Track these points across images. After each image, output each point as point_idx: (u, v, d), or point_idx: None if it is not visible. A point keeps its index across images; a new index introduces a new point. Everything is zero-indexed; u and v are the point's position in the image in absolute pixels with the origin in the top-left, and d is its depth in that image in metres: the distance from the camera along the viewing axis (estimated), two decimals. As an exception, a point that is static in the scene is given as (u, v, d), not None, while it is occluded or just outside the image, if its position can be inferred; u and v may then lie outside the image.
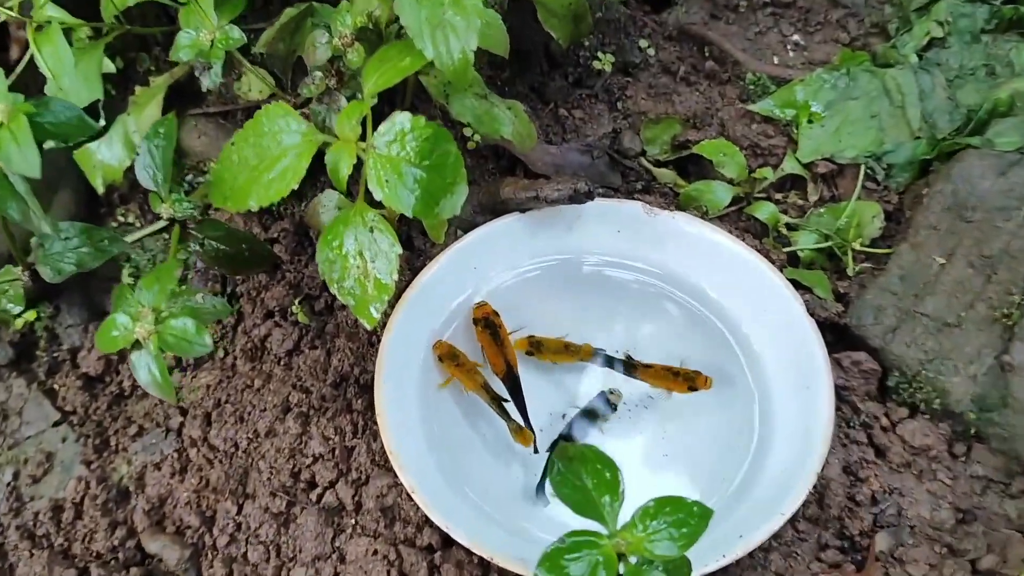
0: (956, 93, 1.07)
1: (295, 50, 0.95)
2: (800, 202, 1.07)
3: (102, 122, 1.01)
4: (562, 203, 0.95)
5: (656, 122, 1.10)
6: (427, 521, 0.85)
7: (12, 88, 0.79)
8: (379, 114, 0.79)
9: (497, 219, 0.98)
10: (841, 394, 0.91)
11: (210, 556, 0.89)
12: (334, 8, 0.88)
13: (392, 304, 0.93)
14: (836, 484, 0.87)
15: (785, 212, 1.06)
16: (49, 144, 1.05)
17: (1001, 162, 0.97)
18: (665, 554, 0.67)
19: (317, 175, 1.03)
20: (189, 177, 1.10)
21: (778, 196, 1.08)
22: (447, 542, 0.85)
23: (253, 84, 1.05)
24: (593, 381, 0.97)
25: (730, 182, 1.06)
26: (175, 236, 0.86)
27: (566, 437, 0.92)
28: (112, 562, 0.92)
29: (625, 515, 0.67)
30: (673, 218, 0.98)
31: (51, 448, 1.00)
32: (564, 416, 0.96)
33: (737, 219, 1.06)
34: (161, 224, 0.87)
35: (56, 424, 1.01)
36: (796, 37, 1.16)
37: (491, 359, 0.94)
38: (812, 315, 0.91)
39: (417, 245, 1.00)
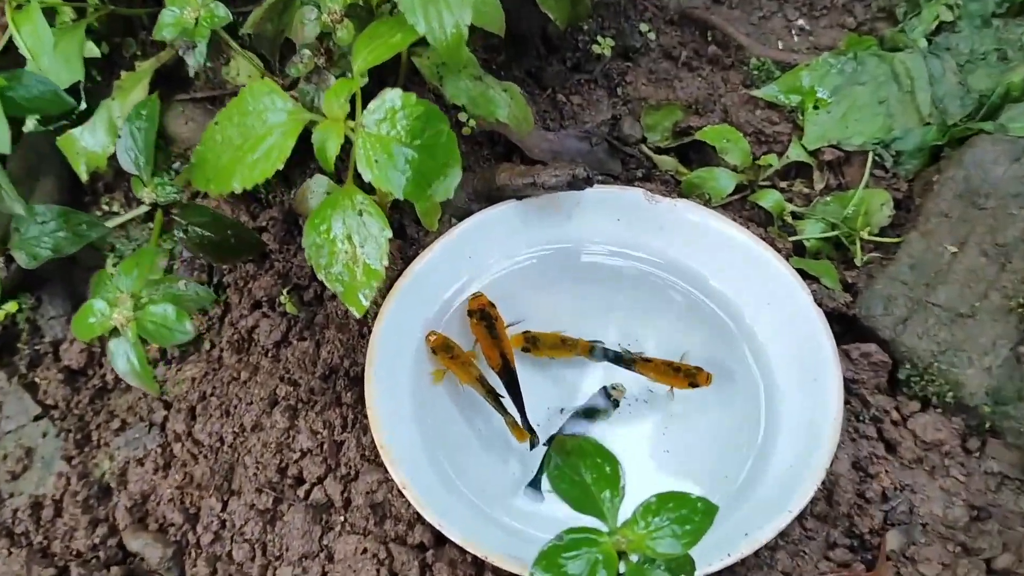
0: (967, 78, 1.04)
1: (283, 31, 0.92)
2: (806, 190, 1.04)
3: (83, 104, 0.97)
4: (560, 189, 0.92)
5: (657, 108, 1.06)
6: (419, 518, 0.82)
7: (-6, 71, 0.76)
8: (370, 96, 0.76)
9: (493, 206, 0.95)
10: (850, 387, 0.88)
11: (193, 555, 0.86)
12: (324, -15, 0.85)
13: (383, 294, 0.90)
14: (845, 480, 0.83)
15: (790, 201, 1.02)
16: (29, 127, 1.03)
17: (1015, 148, 0.93)
18: (668, 552, 0.64)
19: (307, 162, 1.00)
20: (176, 165, 1.07)
21: (783, 184, 1.04)
22: (440, 540, 0.81)
23: (241, 68, 1.02)
24: (593, 374, 0.94)
25: (734, 169, 1.02)
26: (158, 221, 0.83)
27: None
28: (93, 561, 0.88)
29: (626, 512, 0.64)
30: (675, 206, 0.94)
31: (31, 443, 0.96)
32: (562, 411, 0.93)
33: (741, 208, 1.02)
34: (144, 210, 0.84)
35: (37, 418, 0.98)
36: (801, 22, 1.13)
37: (486, 352, 0.91)
38: (819, 305, 0.88)
39: (410, 234, 0.97)
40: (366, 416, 0.84)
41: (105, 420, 0.96)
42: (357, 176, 0.76)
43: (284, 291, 0.96)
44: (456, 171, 0.75)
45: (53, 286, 1.05)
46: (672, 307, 0.95)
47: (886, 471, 0.84)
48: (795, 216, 1.01)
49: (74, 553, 0.89)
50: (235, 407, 0.91)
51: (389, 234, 0.76)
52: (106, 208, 1.07)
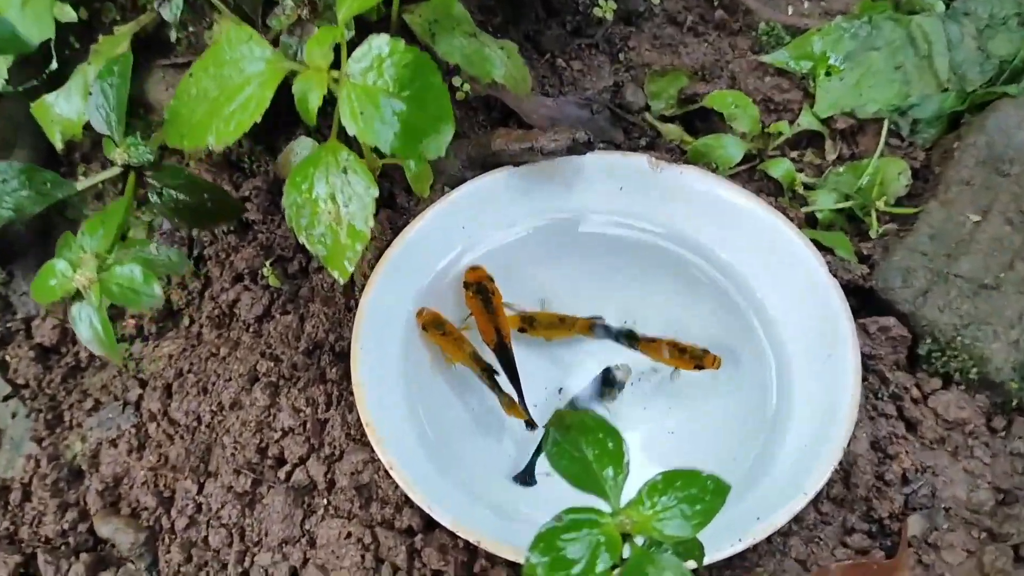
0: (987, 44, 0.99)
1: (267, -13, 0.87)
2: (817, 161, 0.98)
3: (54, 64, 0.92)
4: (560, 155, 0.87)
5: (661, 75, 1.01)
6: (407, 501, 0.77)
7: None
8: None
9: (488, 173, 0.89)
10: (867, 363, 0.83)
11: (167, 540, 0.80)
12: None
13: (372, 265, 0.85)
14: (863, 461, 0.78)
15: (801, 171, 0.97)
16: (-1, 84, 0.97)
17: (1041, 112, 0.88)
18: (676, 534, 0.58)
19: (293, 129, 0.95)
20: (156, 134, 1.02)
21: (793, 154, 0.99)
22: (429, 524, 0.76)
23: (224, 31, 0.96)
24: (594, 352, 0.89)
25: (742, 137, 0.97)
26: (130, 183, 0.78)
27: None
28: (62, 547, 0.83)
29: (630, 493, 0.59)
30: (681, 173, 0.89)
31: (0, 424, 0.91)
32: (560, 391, 0.88)
33: (749, 178, 0.97)
34: (116, 171, 0.78)
35: (6, 398, 0.93)
36: (812, -15, 1.08)
37: (482, 328, 0.86)
38: (834, 277, 0.83)
39: (400, 203, 0.92)
40: (352, 393, 0.79)
41: (78, 400, 0.91)
42: (342, 132, 0.71)
43: (267, 263, 0.91)
44: (448, 127, 0.70)
45: (26, 260, 1.00)
46: (678, 280, 0.90)
47: (906, 452, 0.79)
48: (806, 187, 0.96)
49: (42, 539, 0.84)
50: (213, 384, 0.86)
51: (375, 193, 0.71)
52: (83, 179, 1.02)
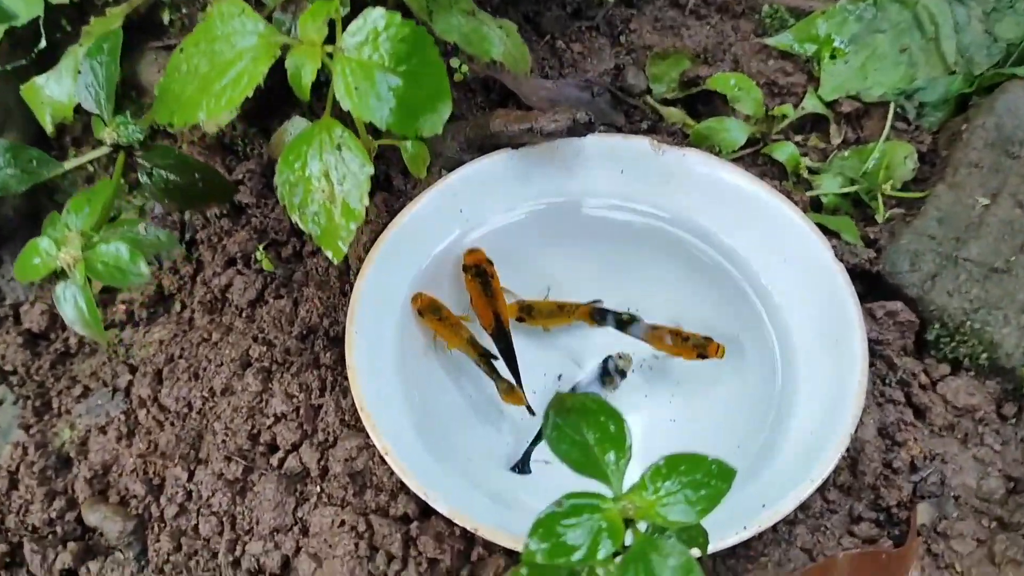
0: (994, 27, 0.97)
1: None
2: (822, 145, 0.96)
3: (43, 43, 0.90)
4: (560, 136, 0.85)
5: (663, 57, 0.99)
6: (402, 488, 0.75)
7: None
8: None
9: (487, 156, 0.87)
10: (874, 348, 0.81)
11: (156, 529, 0.78)
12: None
13: (367, 248, 0.83)
14: (871, 448, 0.76)
15: (805, 156, 0.95)
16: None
17: (1051, 93, 0.86)
18: (680, 520, 0.56)
19: (287, 109, 0.93)
20: (151, 122, 1.00)
21: (797, 139, 0.97)
22: (425, 512, 0.74)
23: (217, 11, 0.94)
24: (592, 336, 0.87)
25: (745, 120, 0.95)
26: (119, 163, 0.76)
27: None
28: (49, 536, 0.81)
29: (632, 479, 0.57)
30: (684, 156, 0.87)
31: (-14, 412, 0.89)
32: (560, 377, 0.86)
33: (753, 161, 0.95)
34: (105, 151, 0.76)
35: (-7, 386, 0.91)
36: (816, -32, 1.06)
37: (480, 311, 0.84)
38: (840, 261, 0.81)
39: (396, 185, 0.90)
40: (346, 378, 0.77)
41: (67, 386, 0.89)
42: (336, 109, 0.69)
43: (260, 247, 0.89)
44: (446, 103, 0.68)
45: (14, 245, 0.98)
46: (680, 264, 0.88)
47: (915, 439, 0.77)
48: (811, 171, 0.94)
49: (29, 528, 0.82)
50: (204, 370, 0.84)
51: (370, 170, 0.69)
52: (72, 160, 1.00)
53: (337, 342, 0.83)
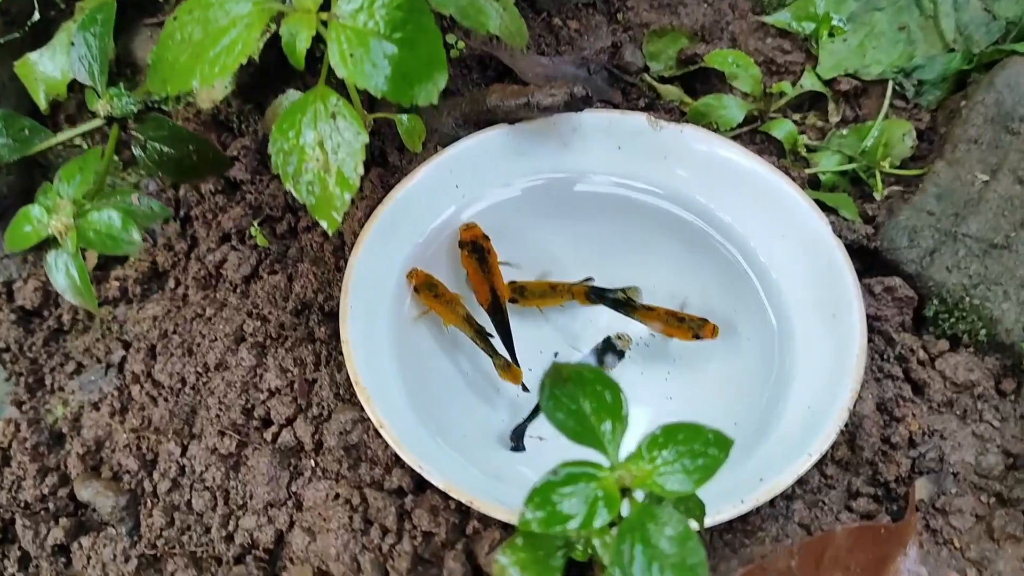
0: (993, 5, 0.96)
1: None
2: (820, 123, 0.96)
3: (36, 15, 0.90)
4: (556, 110, 0.84)
5: (660, 35, 0.99)
6: (397, 461, 0.74)
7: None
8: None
9: (483, 131, 0.87)
10: (873, 324, 0.80)
11: (149, 504, 0.78)
12: None
13: (361, 223, 0.82)
14: (869, 423, 0.75)
15: (803, 134, 0.94)
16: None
17: (1051, 69, 0.86)
18: (677, 489, 0.56)
19: (283, 85, 0.92)
20: (144, 97, 0.99)
21: (795, 117, 0.96)
22: (420, 485, 0.74)
23: (212, -13, 0.94)
24: (588, 315, 0.86)
25: (743, 97, 0.94)
26: (112, 135, 0.75)
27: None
28: (41, 512, 0.81)
29: (629, 450, 0.56)
30: (681, 132, 0.86)
31: (-22, 389, 0.89)
32: (556, 355, 0.86)
33: (750, 139, 0.94)
34: (98, 123, 0.76)
35: (-14, 362, 0.90)
36: (815, -55, 1.05)
37: (476, 287, 0.83)
38: (838, 237, 0.80)
39: (392, 161, 0.89)
40: (341, 352, 0.76)
41: (60, 363, 0.88)
42: (331, 77, 0.68)
43: (255, 223, 0.88)
44: (442, 72, 0.67)
45: (6, 223, 0.97)
46: (677, 242, 0.87)
47: (913, 414, 0.77)
48: (809, 149, 0.93)
49: (21, 504, 0.81)
50: (198, 345, 0.83)
51: (365, 139, 0.68)
52: (68, 142, 0.99)
53: (332, 317, 0.83)
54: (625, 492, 0.56)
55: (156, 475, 0.78)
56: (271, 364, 0.80)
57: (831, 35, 0.97)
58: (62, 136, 0.76)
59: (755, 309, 0.83)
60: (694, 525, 0.60)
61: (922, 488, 0.74)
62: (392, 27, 0.65)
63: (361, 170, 0.68)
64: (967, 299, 0.79)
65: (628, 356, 0.85)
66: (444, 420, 0.77)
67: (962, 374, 0.78)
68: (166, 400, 0.81)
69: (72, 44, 0.92)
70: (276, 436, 0.77)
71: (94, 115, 0.79)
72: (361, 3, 0.66)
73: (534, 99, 0.84)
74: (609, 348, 0.84)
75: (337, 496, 0.72)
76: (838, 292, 0.78)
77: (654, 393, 0.83)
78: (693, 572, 0.53)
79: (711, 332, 0.82)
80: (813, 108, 0.97)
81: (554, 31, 0.98)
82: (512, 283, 0.85)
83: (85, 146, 1.00)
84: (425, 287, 0.83)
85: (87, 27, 0.77)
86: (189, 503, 0.77)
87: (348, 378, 0.75)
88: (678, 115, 0.95)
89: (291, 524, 0.74)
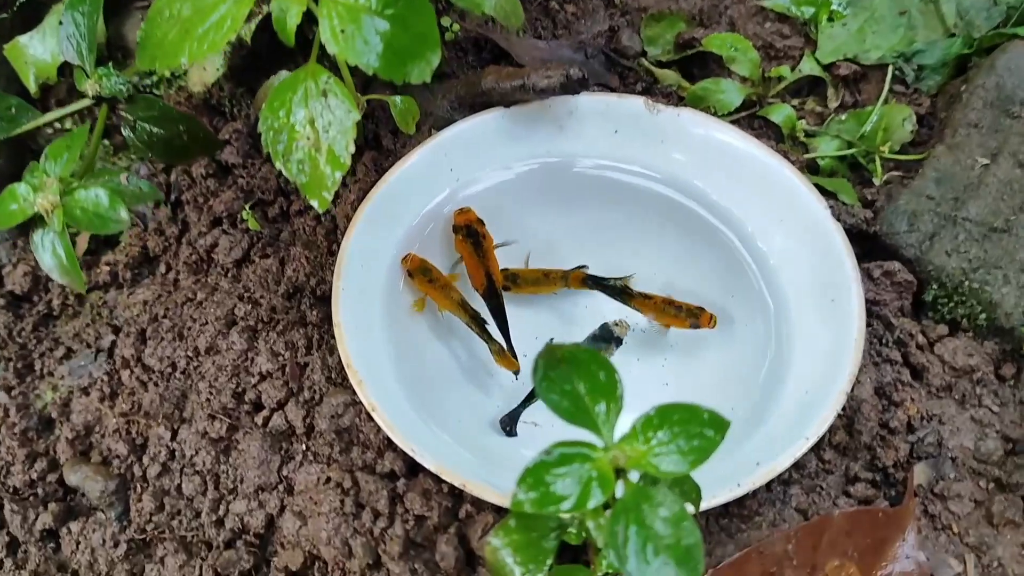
0: (994, -10, 0.96)
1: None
2: (819, 108, 0.95)
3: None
4: (552, 93, 0.83)
5: (658, 19, 0.98)
6: (389, 445, 0.73)
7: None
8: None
9: (478, 114, 0.86)
10: (871, 309, 0.79)
11: (139, 488, 0.77)
12: None
13: (355, 206, 0.81)
14: (867, 407, 0.75)
15: (802, 119, 0.93)
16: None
17: (1052, 53, 0.85)
18: (672, 470, 0.55)
19: (274, 67, 0.91)
20: (135, 80, 0.98)
21: (794, 102, 0.95)
22: (412, 469, 0.73)
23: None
24: (584, 301, 0.85)
25: (741, 82, 0.93)
26: (101, 116, 0.74)
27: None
28: (30, 498, 0.80)
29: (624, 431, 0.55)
30: (679, 115, 0.86)
31: (-33, 374, 0.88)
32: (551, 341, 0.84)
33: (749, 124, 0.93)
34: (87, 103, 0.75)
35: (-25, 348, 0.89)
36: (814, -69, 1.04)
37: (472, 272, 0.82)
38: (837, 221, 0.79)
39: (386, 144, 0.88)
40: (333, 336, 0.75)
41: (49, 348, 0.87)
42: (322, 55, 0.68)
43: (247, 207, 0.87)
44: (435, 50, 0.66)
45: (-3, 207, 0.96)
46: (674, 226, 0.86)
47: (912, 399, 0.76)
48: (808, 134, 0.92)
49: (10, 490, 0.80)
50: (189, 329, 0.82)
51: (357, 117, 0.67)
52: (58, 125, 0.98)
53: (324, 301, 0.82)
54: (620, 473, 0.55)
55: (146, 459, 0.78)
56: (262, 348, 0.79)
57: (830, 20, 0.96)
58: (50, 116, 0.75)
59: (753, 294, 0.82)
60: (690, 508, 0.59)
61: (921, 473, 0.74)
62: (384, 3, 0.65)
63: (352, 149, 0.67)
64: (966, 283, 0.78)
65: (624, 342, 0.84)
66: (437, 404, 0.76)
67: (961, 359, 0.77)
68: (156, 385, 0.80)
69: (61, 24, 0.91)
70: (267, 420, 0.76)
71: (83, 96, 0.78)
72: (353, -22, 0.65)
73: (530, 81, 0.83)
74: (606, 334, 0.83)
75: (328, 480, 0.71)
76: (837, 276, 0.77)
77: (651, 379, 0.82)
78: (688, 553, 0.52)
79: (708, 321, 0.81)
80: (812, 93, 0.96)
81: (551, 15, 0.97)
82: (504, 270, 0.84)
83: (73, 128, 0.99)
84: (420, 272, 0.82)
85: (76, 6, 0.76)
86: (179, 487, 0.76)
87: (340, 361, 0.74)
88: (676, 100, 0.94)
89: (282, 508, 0.73)
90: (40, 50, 0.95)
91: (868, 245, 0.83)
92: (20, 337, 0.88)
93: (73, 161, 0.63)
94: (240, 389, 0.78)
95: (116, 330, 0.86)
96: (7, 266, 0.92)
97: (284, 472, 0.74)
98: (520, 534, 0.60)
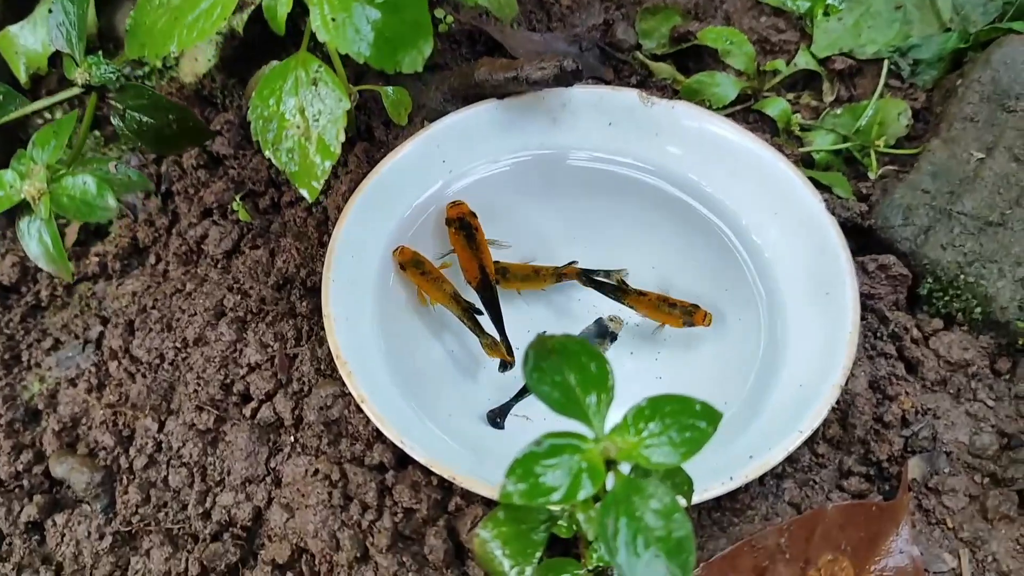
0: (991, -15, 0.95)
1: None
2: (814, 103, 0.94)
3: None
4: (546, 85, 0.82)
5: (653, 12, 0.97)
6: (378, 437, 0.73)
7: None
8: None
9: (471, 106, 0.85)
10: (866, 303, 0.79)
11: (125, 480, 0.76)
12: None
13: (346, 197, 0.81)
14: (861, 401, 0.74)
15: (797, 113, 0.93)
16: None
17: (1048, 47, 0.84)
18: (664, 462, 0.54)
19: (266, 58, 0.91)
20: (127, 71, 0.97)
21: (789, 96, 0.95)
22: (402, 461, 0.72)
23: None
24: (578, 294, 0.84)
25: (736, 75, 0.93)
26: (90, 104, 0.73)
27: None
28: (15, 490, 0.79)
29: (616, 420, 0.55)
30: (673, 108, 0.85)
31: (-46, 366, 0.87)
32: (545, 334, 0.84)
33: (744, 118, 0.93)
34: (76, 91, 0.74)
35: (-39, 340, 0.88)
36: (810, -75, 1.04)
37: (465, 265, 0.82)
38: (832, 215, 0.79)
39: (378, 136, 0.87)
40: (323, 327, 0.74)
41: (37, 339, 0.86)
42: (313, 43, 0.67)
43: (237, 198, 0.86)
44: (427, 39, 0.66)
45: (-15, 198, 0.95)
46: (667, 219, 0.86)
47: (906, 393, 0.75)
48: (803, 128, 0.92)
49: (-6, 482, 0.79)
50: (177, 320, 0.81)
51: (347, 106, 0.66)
52: (48, 116, 0.97)
53: (314, 292, 0.81)
54: (610, 465, 0.55)
55: (132, 451, 0.77)
56: (251, 339, 0.78)
57: (826, 14, 0.96)
58: (38, 104, 0.74)
59: (746, 287, 0.82)
60: (682, 501, 0.59)
61: (915, 467, 0.73)
62: (376, -10, 0.64)
63: (343, 138, 0.67)
64: (962, 277, 0.78)
65: (618, 336, 0.83)
66: (427, 397, 0.76)
67: (956, 353, 0.77)
68: (144, 376, 0.80)
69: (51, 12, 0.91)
70: (255, 412, 0.76)
71: (73, 85, 0.77)
72: (343, -35, 0.64)
73: (523, 72, 0.82)
74: (601, 330, 0.83)
75: (316, 472, 0.71)
76: (831, 270, 0.76)
77: (644, 373, 0.81)
78: (679, 546, 0.51)
79: (703, 319, 0.80)
80: (807, 87, 0.96)
81: (546, 7, 0.96)
82: (495, 263, 0.84)
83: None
84: (411, 264, 0.81)
85: (66, -7, 0.75)
86: (166, 479, 0.75)
87: (330, 353, 0.73)
88: (670, 93, 0.94)
89: (269, 501, 0.72)
90: (31, 40, 0.94)
91: (863, 239, 0.83)
92: (7, 328, 0.88)
93: (60, 148, 0.63)
94: (228, 380, 0.77)
95: (104, 321, 0.85)
96: (-5, 257, 0.91)
97: (272, 464, 0.73)
98: (509, 526, 0.59)
